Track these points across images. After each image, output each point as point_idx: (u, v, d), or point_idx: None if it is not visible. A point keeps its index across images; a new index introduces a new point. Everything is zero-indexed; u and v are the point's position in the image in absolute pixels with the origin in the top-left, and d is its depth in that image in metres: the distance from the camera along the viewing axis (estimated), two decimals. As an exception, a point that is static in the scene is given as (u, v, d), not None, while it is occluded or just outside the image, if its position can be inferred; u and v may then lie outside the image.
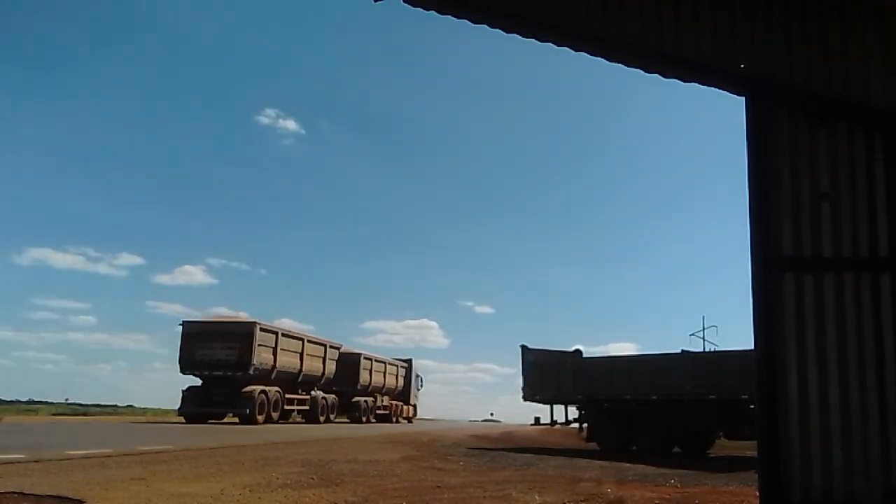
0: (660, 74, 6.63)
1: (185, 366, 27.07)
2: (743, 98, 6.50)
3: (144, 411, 50.87)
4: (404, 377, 42.97)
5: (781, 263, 6.25)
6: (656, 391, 19.11)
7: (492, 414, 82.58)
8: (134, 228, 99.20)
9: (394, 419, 40.86)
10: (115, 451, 10.39)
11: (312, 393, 32.15)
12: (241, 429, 23.06)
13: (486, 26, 6.70)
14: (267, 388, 27.44)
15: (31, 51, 79.32)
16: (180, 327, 27.49)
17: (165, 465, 9.18)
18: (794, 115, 6.39)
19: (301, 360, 30.15)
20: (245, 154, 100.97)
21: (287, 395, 29.28)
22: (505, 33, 6.72)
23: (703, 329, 22.87)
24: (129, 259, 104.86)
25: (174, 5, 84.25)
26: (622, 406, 19.77)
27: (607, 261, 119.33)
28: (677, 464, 14.37)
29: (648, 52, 6.55)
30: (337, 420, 34.08)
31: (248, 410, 26.12)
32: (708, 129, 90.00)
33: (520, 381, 21.68)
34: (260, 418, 26.61)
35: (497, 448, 19.92)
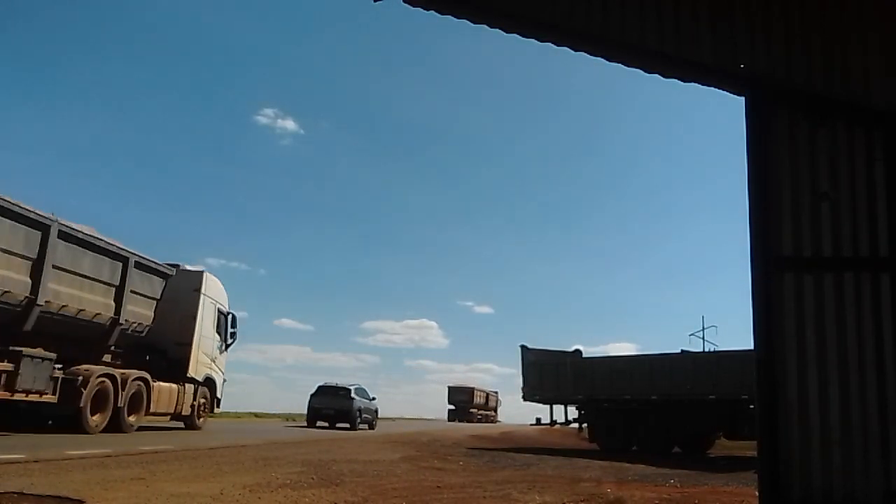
0: (660, 74, 6.62)
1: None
2: (743, 98, 6.50)
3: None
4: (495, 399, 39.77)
5: (781, 263, 6.24)
6: (656, 391, 19.13)
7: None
8: (132, 228, 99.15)
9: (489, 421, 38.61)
10: (115, 451, 10.38)
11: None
12: (237, 428, 21.80)
13: (485, 26, 6.69)
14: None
15: (28, 50, 79.29)
16: None
17: (165, 465, 9.18)
18: (794, 115, 6.38)
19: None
20: (244, 154, 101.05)
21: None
22: (505, 33, 6.71)
23: (703, 329, 22.97)
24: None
25: (173, 5, 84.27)
26: (622, 406, 19.80)
27: (607, 261, 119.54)
28: (677, 464, 14.38)
29: (648, 52, 6.54)
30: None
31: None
32: (708, 129, 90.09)
33: (519, 382, 21.74)
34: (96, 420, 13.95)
35: (497, 448, 19.93)
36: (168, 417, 17.42)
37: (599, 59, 6.71)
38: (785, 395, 6.07)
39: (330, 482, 8.34)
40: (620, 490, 8.88)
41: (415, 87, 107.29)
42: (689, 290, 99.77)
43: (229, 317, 19.81)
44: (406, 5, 6.68)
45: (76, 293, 13.33)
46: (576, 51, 6.68)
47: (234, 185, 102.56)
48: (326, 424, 27.03)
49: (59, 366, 12.90)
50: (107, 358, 14.59)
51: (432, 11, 6.77)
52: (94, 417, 13.89)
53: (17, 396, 11.89)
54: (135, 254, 14.98)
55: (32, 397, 12.23)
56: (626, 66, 6.65)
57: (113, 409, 14.30)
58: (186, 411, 17.69)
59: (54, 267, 12.52)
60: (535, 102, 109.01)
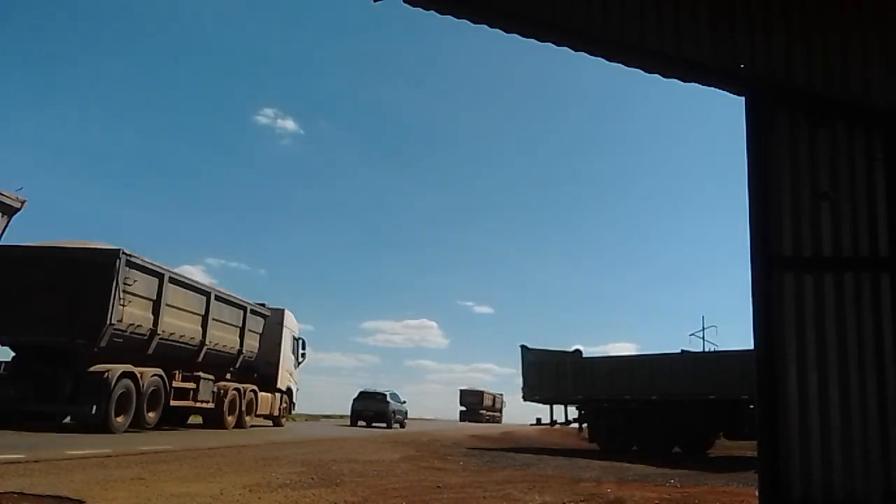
0: (660, 74, 6.63)
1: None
2: (743, 98, 6.50)
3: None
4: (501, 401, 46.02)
5: (781, 263, 6.24)
6: (656, 391, 19.13)
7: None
8: (132, 228, 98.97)
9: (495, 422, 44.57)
10: (115, 451, 10.38)
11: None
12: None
13: (486, 26, 6.69)
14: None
15: (28, 50, 79.31)
16: None
17: (165, 465, 9.18)
18: (794, 115, 6.38)
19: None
20: (244, 154, 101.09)
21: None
22: (505, 33, 6.72)
23: (703, 329, 22.93)
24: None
25: (172, 5, 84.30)
26: (622, 406, 19.79)
27: (607, 261, 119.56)
28: (677, 464, 14.38)
29: (648, 52, 6.54)
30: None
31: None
32: (708, 129, 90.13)
33: (519, 382, 21.74)
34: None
35: (497, 448, 19.92)
36: (263, 417, 23.21)
37: (600, 59, 6.71)
38: (785, 395, 6.07)
39: (330, 482, 8.34)
40: (620, 490, 8.88)
41: (414, 86, 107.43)
42: (689, 290, 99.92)
43: (300, 341, 25.52)
44: (406, 5, 6.69)
45: (223, 335, 19.27)
46: (576, 51, 6.68)
47: (234, 185, 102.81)
48: (365, 423, 32.00)
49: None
50: (228, 376, 20.21)
51: (432, 11, 6.78)
52: (229, 418, 19.84)
53: (199, 405, 18.19)
54: (249, 303, 20.88)
55: (203, 405, 18.45)
56: (626, 66, 6.66)
57: (238, 411, 20.34)
58: (276, 413, 23.61)
59: (213, 319, 18.44)
60: (533, 103, 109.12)
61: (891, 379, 5.97)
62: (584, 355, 21.77)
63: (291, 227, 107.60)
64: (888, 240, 6.12)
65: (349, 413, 33.16)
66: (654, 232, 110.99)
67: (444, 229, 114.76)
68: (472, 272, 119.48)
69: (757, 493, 6.19)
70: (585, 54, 6.68)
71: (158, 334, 16.08)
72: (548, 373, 21.16)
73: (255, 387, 21.46)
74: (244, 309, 20.44)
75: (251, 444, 14.66)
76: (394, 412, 33.06)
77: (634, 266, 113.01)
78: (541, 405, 22.29)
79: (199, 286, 18.19)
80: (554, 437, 26.59)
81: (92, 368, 14.30)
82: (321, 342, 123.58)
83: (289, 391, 24.57)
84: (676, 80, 6.67)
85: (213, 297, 18.45)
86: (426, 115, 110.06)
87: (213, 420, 19.39)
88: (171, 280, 16.52)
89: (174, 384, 16.86)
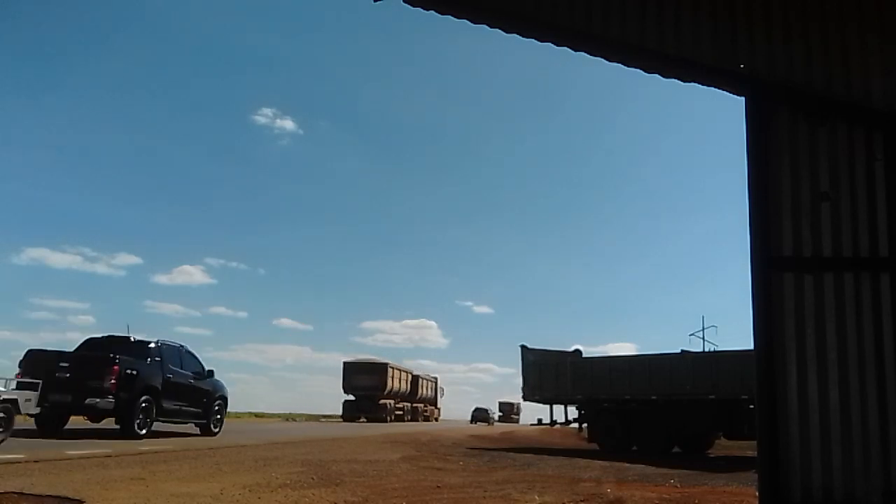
0: (659, 74, 6.62)
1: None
2: (743, 98, 6.49)
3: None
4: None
5: (781, 263, 6.24)
6: (656, 391, 19.11)
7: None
8: (131, 228, 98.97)
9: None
10: (115, 451, 10.38)
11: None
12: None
13: (485, 26, 6.69)
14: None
15: (27, 50, 79.26)
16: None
17: (165, 465, 9.18)
18: (794, 115, 6.38)
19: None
20: (242, 153, 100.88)
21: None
22: (505, 33, 6.71)
23: (703, 329, 22.94)
24: (127, 259, 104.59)
25: (171, 4, 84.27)
26: (622, 406, 19.76)
27: (607, 260, 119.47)
28: (677, 464, 14.37)
29: (648, 52, 6.54)
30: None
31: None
32: (708, 129, 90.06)
33: (519, 382, 21.71)
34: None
35: (497, 448, 19.93)
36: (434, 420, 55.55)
37: (599, 59, 6.71)
38: (785, 395, 6.07)
39: (330, 482, 8.33)
40: (620, 490, 8.88)
41: (414, 86, 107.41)
42: (689, 290, 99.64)
43: (438, 382, 58.83)
44: (406, 5, 6.69)
45: (428, 394, 55.84)
46: (576, 51, 6.68)
47: (233, 185, 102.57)
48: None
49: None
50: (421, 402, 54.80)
51: (432, 11, 6.78)
52: (420, 419, 53.62)
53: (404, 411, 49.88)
54: (430, 376, 57.01)
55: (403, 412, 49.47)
56: (625, 66, 6.65)
57: (423, 415, 54.65)
58: (434, 417, 57.24)
59: (421, 379, 53.74)
60: (533, 101, 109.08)
61: (891, 379, 5.96)
62: (584, 355, 21.74)
63: (290, 227, 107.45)
64: (888, 240, 6.11)
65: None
66: (654, 232, 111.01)
67: (443, 229, 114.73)
68: (472, 272, 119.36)
69: (757, 493, 6.19)
70: (585, 54, 6.68)
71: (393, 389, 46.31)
72: (548, 373, 21.14)
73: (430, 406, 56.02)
74: (435, 380, 57.33)
75: (251, 444, 14.66)
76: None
77: (634, 266, 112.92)
78: (541, 405, 22.29)
79: (407, 370, 50.22)
80: (554, 437, 26.58)
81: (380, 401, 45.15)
82: (320, 342, 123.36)
83: (438, 408, 58.52)
84: (676, 80, 6.66)
85: (411, 374, 50.97)
86: (425, 114, 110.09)
87: (412, 418, 49.90)
88: (397, 369, 47.50)
89: (397, 404, 47.52)
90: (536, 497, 7.86)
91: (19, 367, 13.96)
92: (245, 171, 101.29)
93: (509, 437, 28.32)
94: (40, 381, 12.35)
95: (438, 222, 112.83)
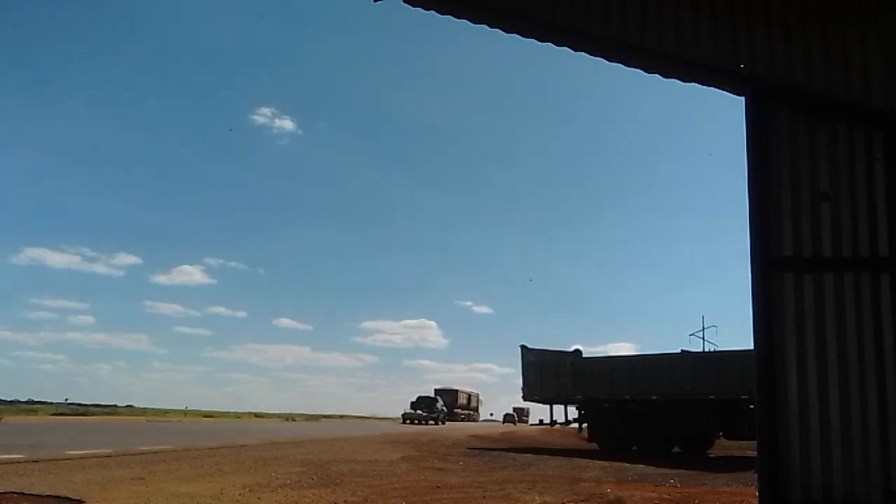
0: (660, 74, 6.62)
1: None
2: (743, 98, 6.49)
3: (144, 411, 50.81)
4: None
5: (781, 263, 6.24)
6: (656, 391, 19.11)
7: (491, 414, 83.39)
8: (130, 228, 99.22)
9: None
10: (115, 451, 10.38)
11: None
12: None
13: (485, 26, 6.69)
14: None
15: (27, 50, 79.32)
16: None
17: (165, 465, 9.18)
18: (794, 115, 6.37)
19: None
20: (242, 153, 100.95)
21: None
22: (505, 33, 6.71)
23: (703, 329, 22.94)
24: (127, 259, 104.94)
25: (170, 4, 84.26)
26: (622, 406, 19.76)
27: (607, 261, 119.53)
28: (677, 464, 14.37)
29: (648, 52, 6.53)
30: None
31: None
32: (708, 129, 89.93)
33: (519, 382, 21.71)
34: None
35: (497, 448, 19.92)
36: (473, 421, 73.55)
37: (599, 59, 6.70)
38: (785, 395, 6.06)
39: (330, 482, 8.33)
40: (620, 490, 8.87)
41: (413, 87, 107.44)
42: (689, 290, 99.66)
43: (474, 394, 78.06)
44: (406, 5, 6.69)
45: (474, 404, 79.38)
46: (575, 51, 6.68)
47: (232, 185, 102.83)
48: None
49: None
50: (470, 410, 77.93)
51: (432, 11, 6.77)
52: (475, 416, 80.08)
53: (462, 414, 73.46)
54: (472, 392, 79.13)
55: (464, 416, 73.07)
56: (625, 66, 6.65)
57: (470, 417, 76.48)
58: (477, 419, 78.19)
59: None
60: (532, 103, 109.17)
61: (891, 379, 5.96)
62: (584, 355, 21.75)
63: (290, 227, 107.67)
64: (888, 240, 6.11)
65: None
66: (655, 232, 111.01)
67: (443, 229, 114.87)
68: (472, 272, 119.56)
69: (757, 493, 6.19)
70: (585, 54, 6.67)
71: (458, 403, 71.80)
72: (548, 373, 21.14)
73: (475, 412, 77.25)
74: (477, 394, 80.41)
75: (251, 444, 14.66)
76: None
77: (634, 266, 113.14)
78: (541, 405, 22.29)
79: (464, 390, 75.36)
80: (554, 437, 26.58)
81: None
82: (320, 342, 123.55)
83: (479, 412, 78.74)
84: (676, 80, 6.66)
85: (470, 394, 77.14)
86: (424, 114, 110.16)
87: (470, 419, 72.90)
88: (460, 391, 73.51)
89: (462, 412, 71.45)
90: (536, 497, 7.86)
91: None
92: (245, 170, 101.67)
93: (509, 437, 28.31)
94: None
95: (438, 222, 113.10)
